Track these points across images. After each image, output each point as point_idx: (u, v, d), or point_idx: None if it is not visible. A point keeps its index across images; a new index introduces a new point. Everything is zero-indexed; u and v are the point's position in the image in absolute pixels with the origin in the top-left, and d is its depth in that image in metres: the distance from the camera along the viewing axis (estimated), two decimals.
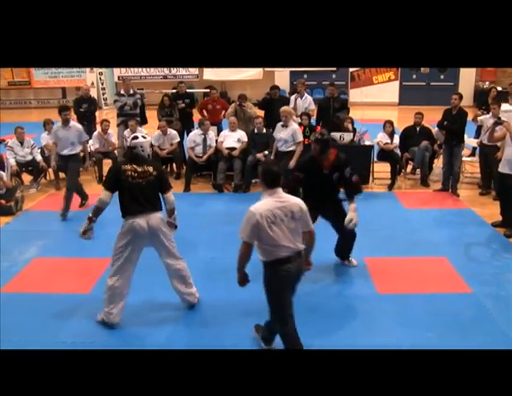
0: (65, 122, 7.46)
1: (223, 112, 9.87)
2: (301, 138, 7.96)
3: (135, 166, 4.60)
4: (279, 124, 7.94)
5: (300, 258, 3.91)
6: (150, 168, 4.65)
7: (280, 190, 3.84)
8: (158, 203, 4.70)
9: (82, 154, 7.83)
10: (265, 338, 4.31)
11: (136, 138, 4.75)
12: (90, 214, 4.66)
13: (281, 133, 7.91)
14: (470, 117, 8.52)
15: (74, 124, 7.79)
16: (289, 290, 3.95)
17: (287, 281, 3.89)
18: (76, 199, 7.81)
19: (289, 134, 7.83)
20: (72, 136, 7.49)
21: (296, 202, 3.87)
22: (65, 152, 7.50)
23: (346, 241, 5.69)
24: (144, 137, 4.81)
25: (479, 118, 8.11)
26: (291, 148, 7.89)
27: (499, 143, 7.31)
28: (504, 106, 8.50)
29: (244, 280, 3.94)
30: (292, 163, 7.40)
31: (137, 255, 4.67)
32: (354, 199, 5.41)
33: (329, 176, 5.38)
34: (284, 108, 8.08)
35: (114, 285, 4.60)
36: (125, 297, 4.69)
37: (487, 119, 7.93)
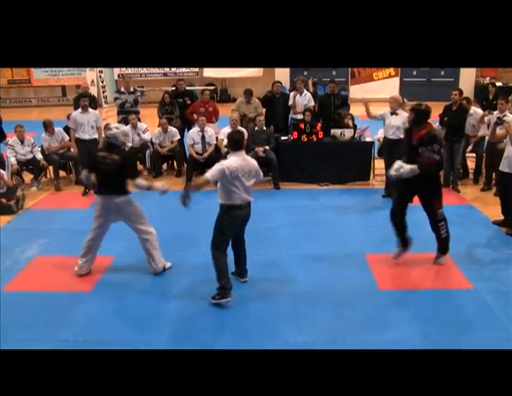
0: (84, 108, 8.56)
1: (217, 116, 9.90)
2: None
3: (107, 153, 5.31)
4: (387, 111, 7.86)
5: (249, 208, 4.92)
6: (116, 157, 5.26)
7: (243, 152, 4.90)
8: (122, 188, 5.31)
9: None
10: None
11: (110, 129, 5.42)
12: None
13: (392, 120, 7.82)
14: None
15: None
16: (232, 230, 4.95)
17: (234, 222, 4.91)
18: (74, 199, 7.78)
19: (401, 122, 7.75)
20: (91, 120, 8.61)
21: (254, 164, 4.95)
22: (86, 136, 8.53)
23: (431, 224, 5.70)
24: (117, 128, 5.46)
25: (486, 118, 8.06)
26: (402, 136, 7.75)
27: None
28: None
29: (186, 197, 4.84)
30: None
31: (107, 225, 5.52)
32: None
33: (415, 148, 5.43)
34: (392, 95, 8.17)
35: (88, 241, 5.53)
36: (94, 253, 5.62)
37: (494, 116, 7.88)
